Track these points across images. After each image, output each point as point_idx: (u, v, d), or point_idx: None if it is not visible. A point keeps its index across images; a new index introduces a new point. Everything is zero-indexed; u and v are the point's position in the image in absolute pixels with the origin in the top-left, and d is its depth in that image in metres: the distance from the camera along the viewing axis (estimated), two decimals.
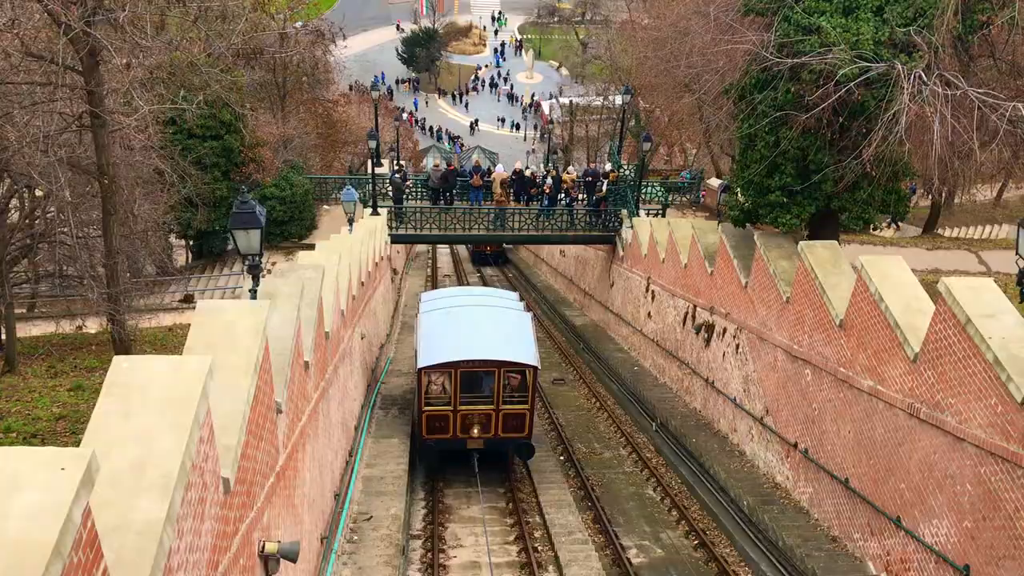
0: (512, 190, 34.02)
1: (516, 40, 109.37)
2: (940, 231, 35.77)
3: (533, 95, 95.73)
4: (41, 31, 16.39)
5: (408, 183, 35.56)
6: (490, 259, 56.32)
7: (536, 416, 21.47)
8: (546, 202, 33.30)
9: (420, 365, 19.38)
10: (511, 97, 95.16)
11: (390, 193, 33.91)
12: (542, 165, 51.23)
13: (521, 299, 24.45)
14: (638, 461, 22.56)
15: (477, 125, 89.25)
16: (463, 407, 19.65)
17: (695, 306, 23.94)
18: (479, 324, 20.70)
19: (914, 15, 16.42)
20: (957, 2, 15.72)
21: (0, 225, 19.23)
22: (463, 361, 19.32)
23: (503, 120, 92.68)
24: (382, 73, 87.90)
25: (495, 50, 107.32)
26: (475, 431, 19.74)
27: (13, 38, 15.53)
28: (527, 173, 34.95)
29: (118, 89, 17.72)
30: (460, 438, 19.88)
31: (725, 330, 21.62)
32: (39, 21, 16.14)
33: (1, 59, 16.14)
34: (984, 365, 11.23)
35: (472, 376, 19.84)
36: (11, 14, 15.38)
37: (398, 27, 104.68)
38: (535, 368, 19.61)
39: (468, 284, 49.36)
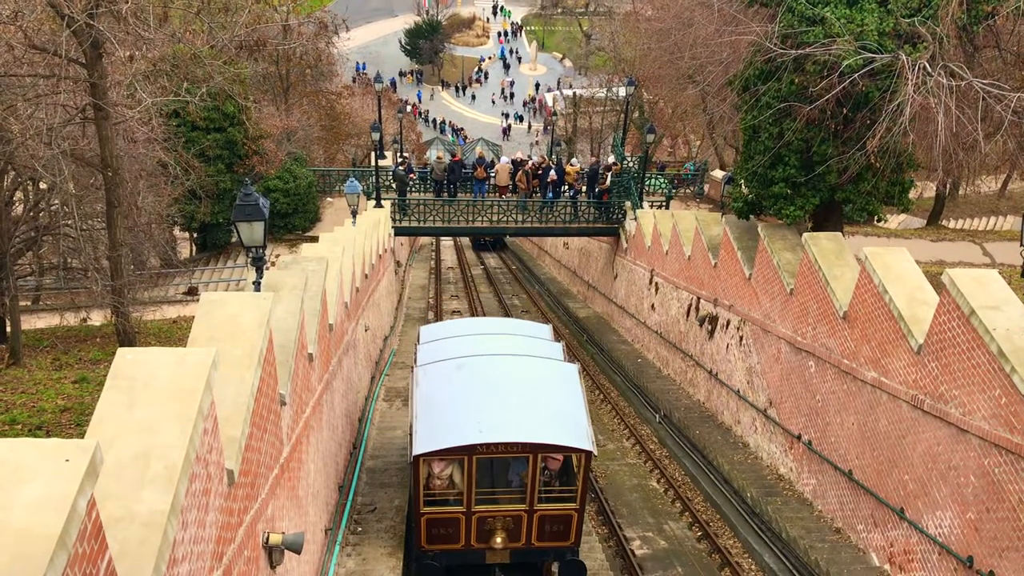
0: (512, 176, 33.92)
1: (511, 24, 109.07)
2: (944, 222, 35.68)
3: (537, 84, 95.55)
4: (44, 23, 16.38)
5: (412, 175, 35.52)
6: (489, 245, 60.50)
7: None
8: (550, 194, 33.26)
9: (419, 451, 13.27)
10: (508, 97, 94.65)
11: (394, 186, 33.90)
12: (545, 156, 51.15)
13: (558, 337, 19.01)
14: (641, 453, 22.58)
15: (509, 132, 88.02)
16: (481, 507, 13.95)
17: (699, 298, 23.93)
18: (504, 385, 14.52)
19: (919, 5, 16.35)
20: None
21: (4, 218, 19.24)
22: (483, 445, 13.30)
23: (504, 108, 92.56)
24: (378, 73, 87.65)
25: (500, 34, 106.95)
26: (498, 539, 14.10)
27: (16, 30, 15.52)
28: (529, 162, 34.94)
29: (121, 81, 17.71)
30: (476, 549, 14.25)
31: (729, 322, 21.61)
32: (42, 13, 16.12)
33: (4, 51, 16.13)
34: (988, 356, 11.21)
35: (495, 464, 14.55)
36: (14, 6, 15.36)
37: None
38: (588, 453, 13.52)
39: (472, 278, 49.38)
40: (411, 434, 13.91)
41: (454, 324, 19.25)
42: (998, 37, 18.06)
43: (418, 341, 17.99)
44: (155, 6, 16.38)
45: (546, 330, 18.57)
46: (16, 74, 16.81)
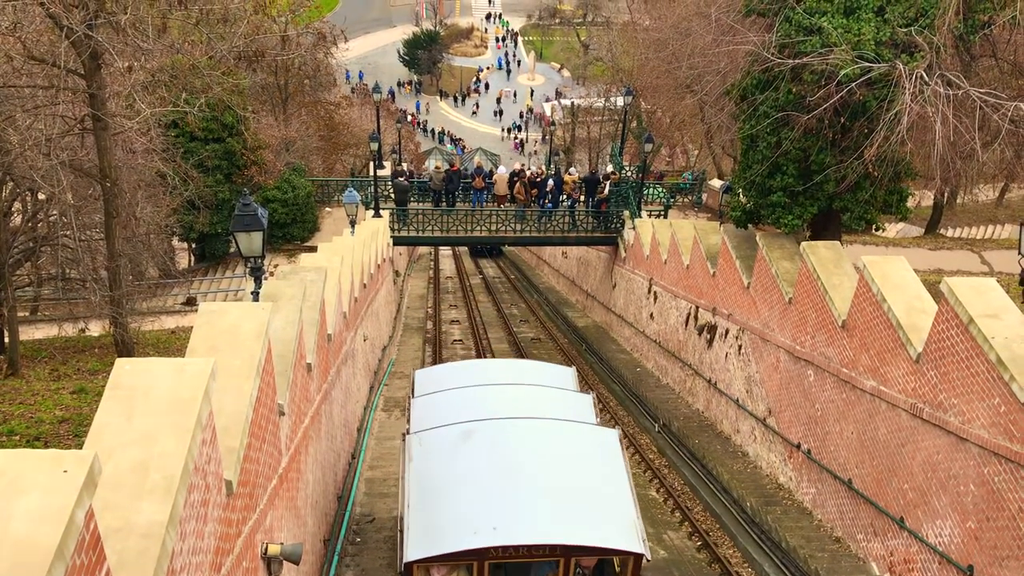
0: (511, 185, 33.93)
1: (506, 31, 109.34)
2: (942, 231, 35.74)
3: (532, 91, 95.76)
4: (43, 35, 16.40)
5: (412, 183, 35.43)
6: (485, 252, 61.68)
7: None
8: (548, 204, 33.29)
9: (413, 555, 10.04)
10: (497, 114, 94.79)
11: (392, 195, 33.91)
12: (543, 166, 51.24)
13: (587, 387, 16.25)
14: (641, 462, 22.55)
15: (509, 133, 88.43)
16: None
17: (697, 307, 23.93)
18: (525, 463, 11.38)
19: (915, 15, 16.41)
20: (958, 2, 15.72)
21: (3, 228, 19.24)
22: (498, 548, 10.12)
23: (500, 113, 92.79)
24: (376, 83, 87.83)
25: (498, 40, 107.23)
26: None
27: (15, 41, 15.54)
28: (528, 172, 34.99)
29: (120, 92, 17.74)
30: None
31: (727, 331, 21.61)
32: (41, 24, 16.15)
33: (3, 62, 16.16)
34: (987, 365, 11.21)
35: (512, 571, 11.02)
36: (13, 17, 15.39)
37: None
38: (639, 557, 10.37)
39: (470, 287, 49.38)
40: (401, 530, 10.47)
41: (457, 368, 16.40)
42: (994, 46, 18.15)
43: (412, 392, 14.91)
44: (154, 17, 16.37)
45: (569, 376, 15.54)
46: (15, 85, 16.84)
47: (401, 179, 34.23)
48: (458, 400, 13.47)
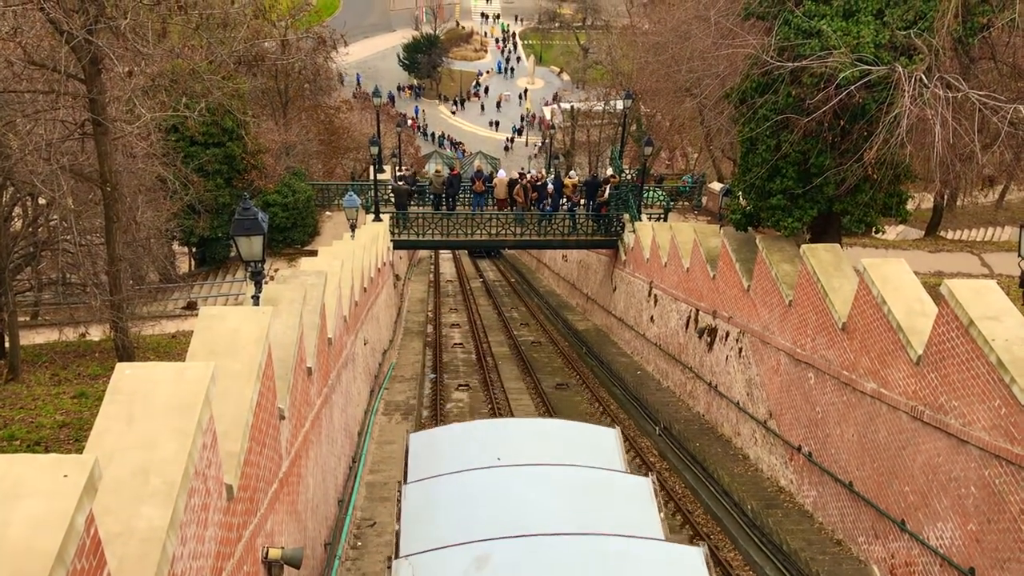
0: (511, 189, 33.92)
1: (505, 33, 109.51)
2: (942, 233, 35.72)
3: (525, 91, 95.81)
4: (43, 40, 16.42)
5: (412, 188, 35.38)
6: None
7: None
8: (548, 207, 33.30)
9: None
10: (494, 124, 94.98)
11: (392, 199, 33.91)
12: (543, 170, 51.27)
13: (639, 459, 12.77)
14: (642, 465, 22.53)
15: (512, 143, 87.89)
16: None
17: (698, 310, 23.93)
18: None
19: (914, 18, 16.43)
20: (957, 5, 15.73)
21: (3, 233, 19.25)
22: None
23: (496, 124, 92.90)
24: (376, 87, 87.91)
25: (497, 40, 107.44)
26: None
27: (15, 47, 15.57)
28: (528, 175, 35.02)
29: (120, 97, 17.75)
30: None
31: (728, 334, 21.61)
32: (41, 30, 16.17)
33: (4, 67, 16.18)
34: (988, 367, 11.21)
35: None
36: (13, 23, 15.42)
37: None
38: None
39: (471, 291, 49.36)
40: None
41: (465, 435, 12.62)
42: (993, 49, 18.16)
43: (404, 472, 11.82)
44: (154, 22, 16.43)
45: (612, 443, 12.11)
46: (15, 90, 16.86)
47: (401, 183, 34.24)
48: (468, 494, 10.24)
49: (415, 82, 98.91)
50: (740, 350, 20.75)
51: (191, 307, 28.44)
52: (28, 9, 15.11)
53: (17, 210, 22.24)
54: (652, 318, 28.41)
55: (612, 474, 10.78)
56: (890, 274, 14.48)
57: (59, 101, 16.47)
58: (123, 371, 6.79)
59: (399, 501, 10.56)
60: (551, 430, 13.04)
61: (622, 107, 36.01)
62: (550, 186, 33.19)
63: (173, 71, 20.30)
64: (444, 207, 33.96)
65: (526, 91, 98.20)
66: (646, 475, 11.05)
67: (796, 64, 16.63)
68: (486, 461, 10.95)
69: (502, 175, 35.33)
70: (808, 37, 16.81)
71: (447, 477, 10.65)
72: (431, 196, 34.69)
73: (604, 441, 11.96)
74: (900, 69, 15.64)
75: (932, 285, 16.62)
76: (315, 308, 13.21)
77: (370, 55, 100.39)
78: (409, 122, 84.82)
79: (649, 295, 28.72)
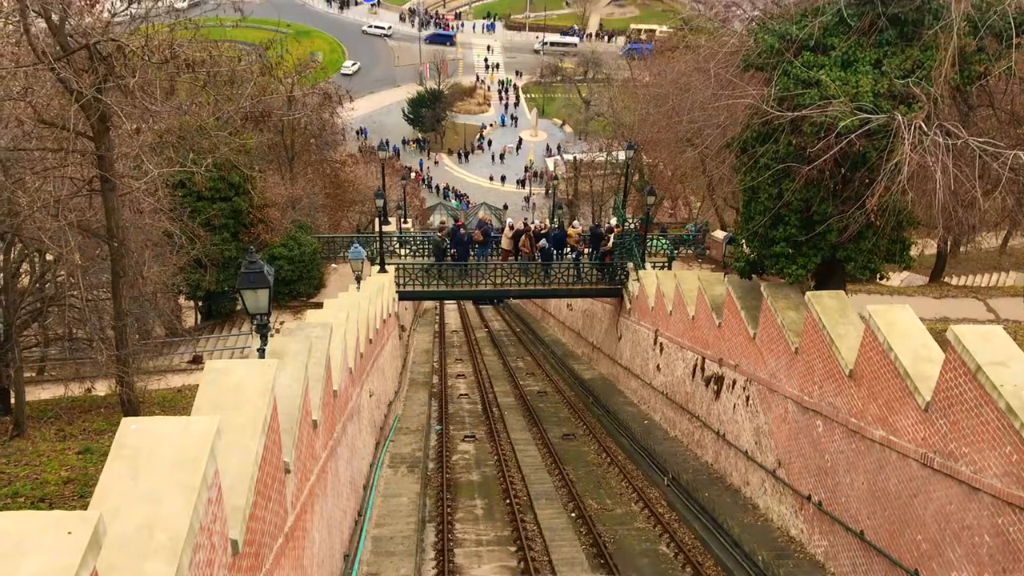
0: (516, 240, 34.02)
1: (503, 85, 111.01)
2: (947, 279, 35.72)
3: (520, 140, 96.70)
4: (53, 99, 16.70)
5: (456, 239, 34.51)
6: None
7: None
8: (550, 248, 33.35)
9: None
10: (496, 178, 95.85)
11: (400, 252, 33.94)
12: (547, 219, 51.55)
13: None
14: (650, 517, 22.28)
15: (530, 200, 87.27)
16: None
17: (704, 358, 23.86)
18: None
19: (912, 67, 16.64)
20: (954, 54, 15.93)
21: (11, 290, 19.36)
22: None
23: (504, 177, 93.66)
24: (381, 141, 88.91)
25: (500, 91, 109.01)
26: None
27: (26, 106, 15.82)
28: (532, 226, 35.20)
29: (128, 153, 17.98)
30: None
31: (735, 382, 21.51)
32: (52, 89, 16.45)
33: (15, 127, 16.43)
34: (997, 413, 11.13)
35: None
36: (25, 83, 15.69)
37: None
38: None
39: (476, 340, 49.29)
40: None
41: None
42: (991, 96, 18.33)
43: None
44: (162, 80, 16.68)
45: None
46: (25, 148, 17.10)
47: (440, 234, 34.06)
48: None
49: (420, 135, 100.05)
50: (747, 398, 20.64)
51: (197, 361, 28.43)
52: (39, 70, 15.38)
53: (24, 266, 22.39)
54: (658, 367, 28.32)
55: None
56: (896, 320, 14.46)
57: (68, 158, 16.68)
58: (128, 426, 6.78)
59: None
60: None
61: (624, 157, 36.31)
62: (543, 241, 33.18)
63: (180, 127, 20.56)
64: (448, 258, 34.09)
65: (529, 144, 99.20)
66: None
67: (796, 113, 16.80)
68: None
69: (509, 222, 35.46)
70: (807, 87, 17.01)
71: None
72: (436, 247, 34.81)
73: None
74: (899, 117, 15.79)
75: (938, 331, 16.58)
76: (320, 360, 13.20)
77: (376, 110, 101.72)
78: (414, 175, 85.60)
79: (655, 343, 28.66)
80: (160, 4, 16.73)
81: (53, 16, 15.22)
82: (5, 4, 17.01)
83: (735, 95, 19.12)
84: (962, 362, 11.92)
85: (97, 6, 16.40)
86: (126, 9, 16.19)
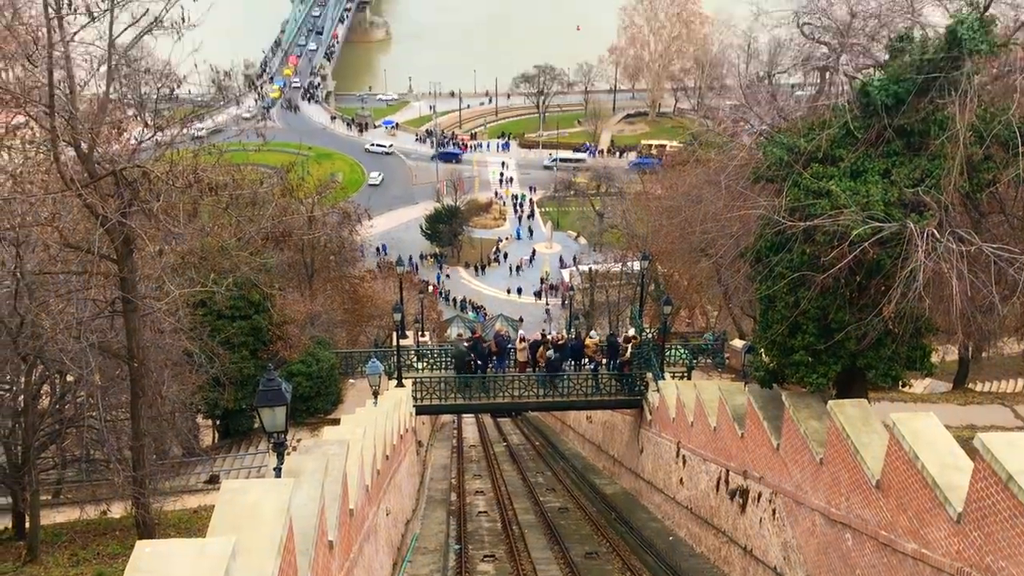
0: (530, 354, 33.92)
1: (516, 199, 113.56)
2: (971, 385, 35.24)
3: (532, 249, 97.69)
4: (79, 223, 17.14)
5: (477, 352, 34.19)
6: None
7: None
8: (559, 366, 33.19)
9: None
10: (515, 270, 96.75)
11: (418, 366, 33.91)
12: (564, 331, 51.61)
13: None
14: None
15: (550, 313, 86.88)
16: None
17: (727, 470, 23.41)
18: None
19: (921, 176, 16.86)
20: (961, 162, 16.15)
21: (31, 412, 19.43)
22: None
23: (520, 289, 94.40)
24: (399, 257, 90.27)
25: (514, 205, 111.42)
26: None
27: (53, 231, 16.23)
28: (549, 336, 35.21)
29: (150, 275, 18.31)
30: None
31: (760, 495, 21.03)
32: (78, 214, 16.91)
33: (41, 251, 16.82)
34: None
35: None
36: (52, 208, 16.15)
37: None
38: None
39: (494, 455, 48.63)
40: None
41: None
42: (1002, 203, 18.47)
43: None
44: (185, 203, 17.13)
45: None
46: (51, 271, 17.46)
47: (465, 345, 34.03)
48: None
49: (437, 250, 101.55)
50: (774, 511, 20.14)
51: (213, 481, 28.19)
52: (67, 196, 15.85)
53: (45, 387, 22.53)
54: (681, 480, 27.77)
55: None
56: (920, 429, 14.22)
57: (91, 281, 17.00)
58: (143, 549, 6.70)
59: None
60: None
61: (639, 268, 36.59)
62: (551, 351, 33.04)
63: (202, 248, 20.98)
64: (466, 371, 34.01)
65: (543, 256, 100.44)
66: None
67: (808, 223, 16.96)
68: None
69: (522, 334, 35.50)
70: (818, 197, 17.22)
71: None
72: (454, 360, 34.78)
73: None
74: (911, 225, 15.91)
75: (965, 439, 16.26)
76: (337, 478, 13.07)
77: (394, 226, 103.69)
78: (431, 288, 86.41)
79: (677, 456, 28.20)
80: (185, 131, 17.34)
81: (83, 144, 15.80)
82: (37, 134, 17.69)
83: (747, 206, 19.41)
84: (992, 471, 11.64)
85: (124, 134, 17.01)
86: (152, 137, 16.78)
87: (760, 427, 20.70)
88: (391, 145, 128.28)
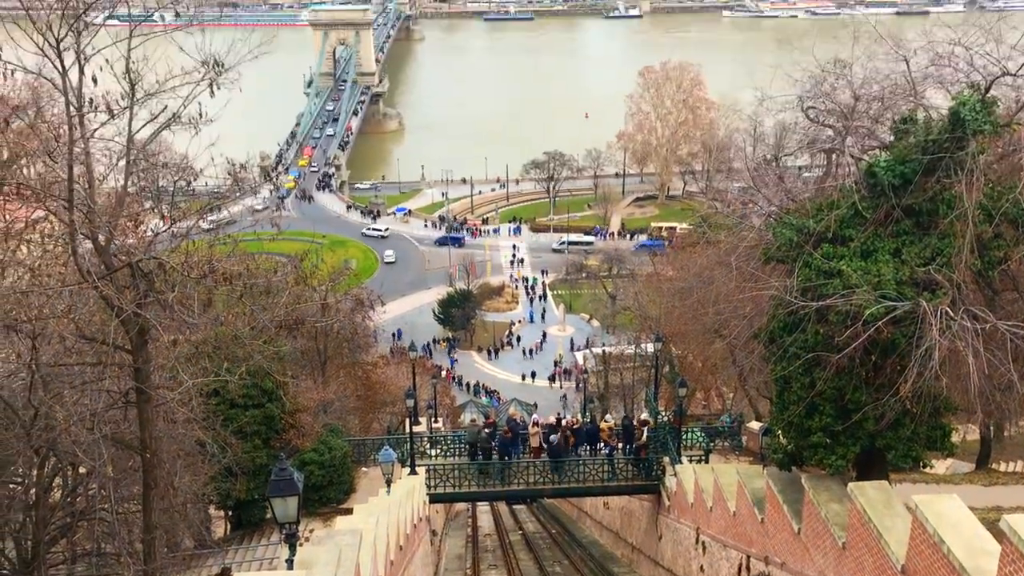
0: (543, 439, 33.55)
1: (527, 282, 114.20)
2: (995, 465, 34.56)
3: (543, 332, 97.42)
4: (95, 315, 17.27)
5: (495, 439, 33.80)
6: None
7: None
8: (587, 451, 32.85)
9: None
10: (529, 352, 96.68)
11: (431, 453, 33.58)
12: (578, 415, 51.21)
13: None
14: None
15: (567, 398, 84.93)
16: None
17: (749, 556, 22.86)
18: None
19: (932, 255, 16.87)
20: (971, 241, 16.20)
21: (42, 505, 19.25)
22: None
23: (534, 373, 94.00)
24: (412, 342, 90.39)
25: (526, 288, 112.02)
26: None
27: (69, 323, 16.35)
28: (564, 421, 34.91)
29: (164, 365, 18.34)
30: None
31: None
32: (94, 306, 17.05)
33: (56, 343, 16.92)
34: None
35: None
36: (68, 301, 16.30)
37: None
38: None
39: (510, 544, 47.70)
40: None
41: None
42: (1015, 280, 18.45)
43: None
44: (200, 293, 17.27)
45: None
46: (66, 363, 17.52)
47: (485, 432, 33.65)
48: None
49: (450, 335, 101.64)
50: None
51: (225, 574, 27.67)
52: (83, 288, 16.02)
53: (57, 480, 22.38)
54: (702, 567, 27.11)
55: None
56: (944, 511, 13.91)
57: (105, 372, 17.04)
58: None
59: None
60: None
61: (653, 349, 36.48)
62: (553, 436, 32.70)
63: (216, 338, 21.03)
64: (480, 457, 33.64)
65: (556, 338, 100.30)
66: None
67: (820, 303, 16.94)
68: None
69: (535, 418, 35.21)
70: (829, 277, 17.23)
71: None
72: (468, 446, 34.44)
73: None
74: (924, 304, 15.86)
75: (991, 520, 15.88)
76: (350, 569, 12.85)
77: (407, 311, 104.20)
78: (444, 373, 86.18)
79: (696, 542, 27.59)
80: (201, 223, 17.60)
81: (100, 237, 16.03)
82: (56, 227, 17.98)
83: (758, 287, 19.44)
84: (1020, 554, 11.34)
85: (141, 226, 17.27)
86: (168, 229, 17.03)
87: (780, 511, 20.29)
88: (387, 229, 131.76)
